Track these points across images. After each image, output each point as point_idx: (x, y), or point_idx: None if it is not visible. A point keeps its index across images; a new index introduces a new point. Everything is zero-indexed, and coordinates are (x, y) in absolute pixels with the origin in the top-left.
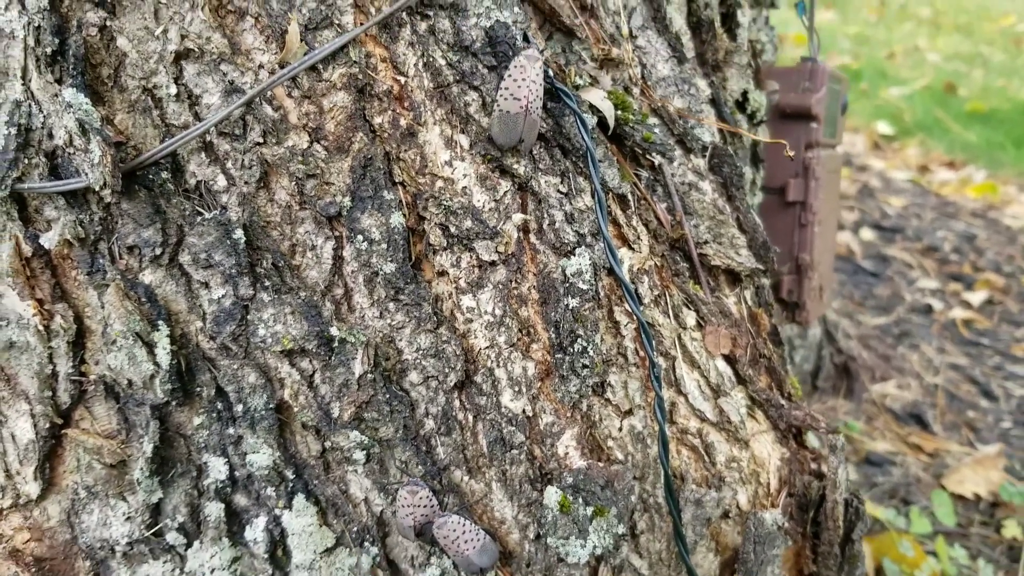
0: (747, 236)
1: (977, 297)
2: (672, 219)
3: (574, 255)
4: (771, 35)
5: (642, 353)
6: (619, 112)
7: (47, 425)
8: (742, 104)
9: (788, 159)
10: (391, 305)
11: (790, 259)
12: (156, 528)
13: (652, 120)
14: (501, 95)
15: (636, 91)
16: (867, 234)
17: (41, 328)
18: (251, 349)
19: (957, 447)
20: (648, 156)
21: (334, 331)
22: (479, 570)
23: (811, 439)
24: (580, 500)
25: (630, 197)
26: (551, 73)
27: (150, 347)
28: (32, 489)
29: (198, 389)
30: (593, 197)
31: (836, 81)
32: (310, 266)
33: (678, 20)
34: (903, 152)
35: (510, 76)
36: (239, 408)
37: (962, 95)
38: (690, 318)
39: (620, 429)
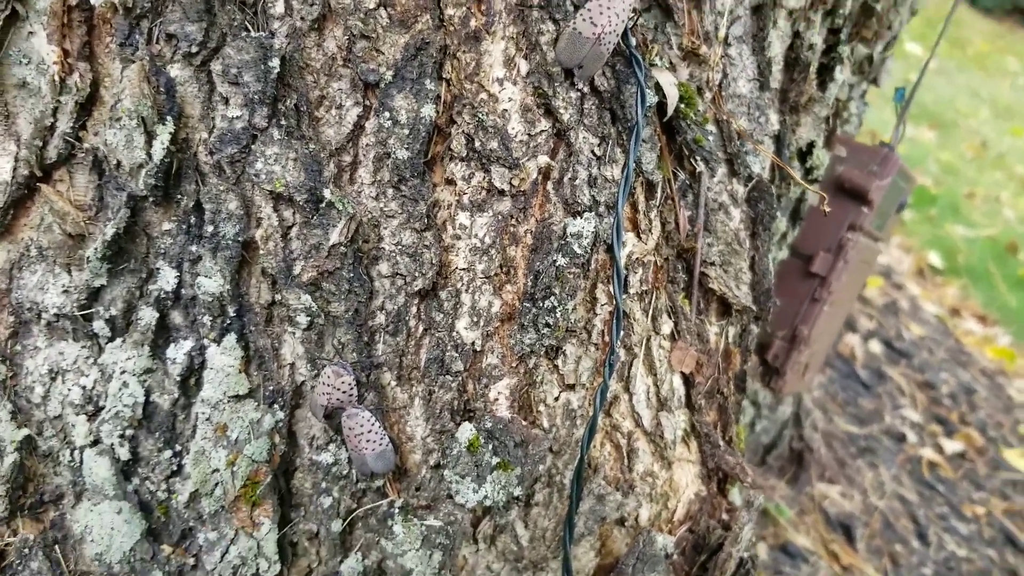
0: (754, 277)
1: (952, 446)
2: (690, 229)
3: (581, 217)
4: (861, 109)
5: (607, 338)
6: (682, 104)
7: (26, 172)
8: (804, 155)
9: (826, 231)
10: (390, 191)
11: (789, 327)
12: (87, 312)
13: (710, 127)
14: (581, 15)
15: (707, 95)
16: (875, 347)
17: (57, 79)
18: (243, 179)
19: (872, 572)
20: (692, 159)
21: (327, 193)
22: (369, 473)
23: (734, 494)
24: (490, 447)
25: (658, 190)
26: (631, 35)
27: (150, 136)
28: None
29: (179, 197)
30: (622, 171)
31: (904, 178)
32: (330, 123)
33: (776, 47)
34: (943, 288)
35: (596, 0)
36: (209, 229)
37: (1020, 258)
38: (666, 326)
39: (556, 399)
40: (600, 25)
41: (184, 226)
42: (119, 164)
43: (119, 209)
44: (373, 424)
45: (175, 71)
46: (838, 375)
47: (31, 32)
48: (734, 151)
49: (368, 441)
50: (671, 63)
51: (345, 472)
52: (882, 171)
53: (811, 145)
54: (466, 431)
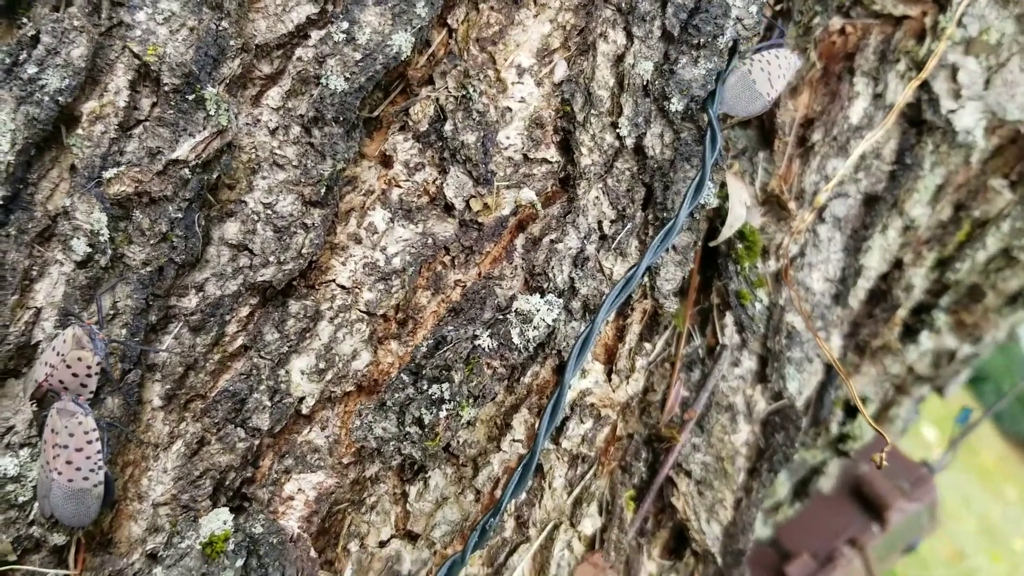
0: (732, 523)
1: None
2: (679, 415)
3: (542, 297)
4: (911, 415)
5: (497, 493)
6: (739, 244)
7: None
8: (849, 412)
9: (820, 532)
10: (296, 130)
11: None
12: None
13: (760, 294)
14: (760, 65)
15: (772, 264)
16: None
17: None
18: (114, 30)
19: None
20: (722, 321)
21: (208, 91)
22: (49, 514)
23: None
24: (239, 564)
25: (661, 336)
26: (716, 120)
27: None
28: None
29: (24, 22)
30: (627, 272)
31: (929, 515)
32: (267, 13)
33: (874, 258)
34: None
35: (778, 60)
36: (31, 70)
37: None
38: (589, 523)
39: (382, 545)
40: (776, 89)
41: (8, 61)
42: None
43: None
44: (91, 442)
45: None
46: None
47: None
48: (776, 348)
49: (69, 464)
50: (748, 200)
51: (23, 500)
52: (914, 492)
53: (863, 401)
54: (217, 521)
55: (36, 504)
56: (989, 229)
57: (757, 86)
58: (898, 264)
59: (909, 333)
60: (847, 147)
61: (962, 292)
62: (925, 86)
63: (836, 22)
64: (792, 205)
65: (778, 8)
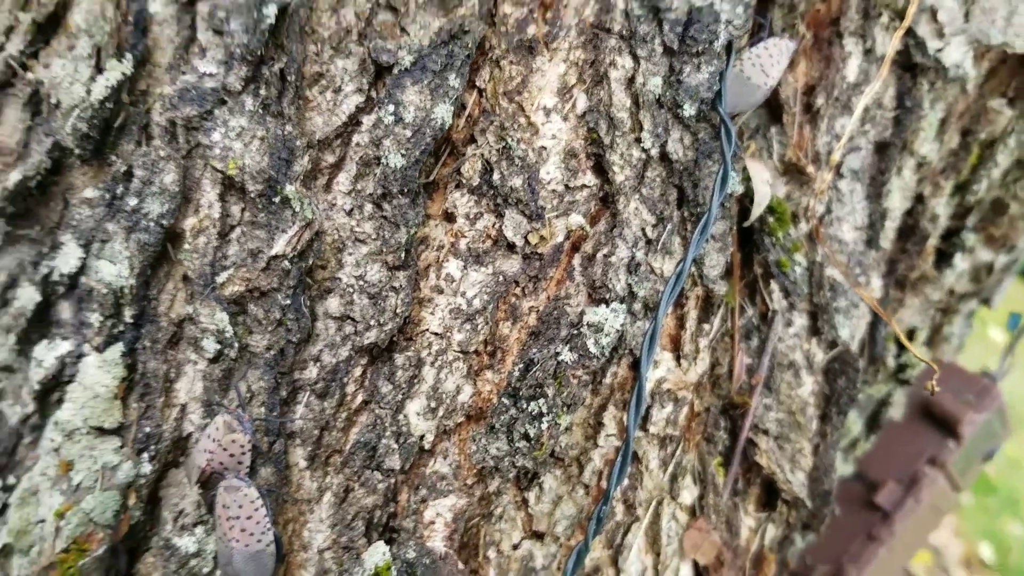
0: (814, 467)
1: None
2: (746, 380)
3: (607, 307)
4: (964, 331)
5: (604, 482)
6: (770, 218)
7: None
8: (901, 344)
9: (901, 457)
10: (368, 207)
11: (833, 562)
12: None
13: (800, 259)
14: (750, 59)
15: (803, 226)
16: None
17: None
18: (195, 152)
19: None
20: (768, 294)
21: (288, 189)
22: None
23: None
24: None
25: (716, 314)
26: (726, 116)
27: (98, 71)
28: None
29: (113, 159)
30: (676, 267)
31: (1001, 421)
32: (321, 109)
33: (896, 200)
34: None
35: (767, 50)
36: (132, 202)
37: None
38: (688, 493)
39: (515, 547)
40: (772, 77)
41: (108, 196)
42: (58, 104)
43: (41, 158)
44: (257, 509)
45: (155, 6)
46: None
47: None
48: (822, 303)
49: (243, 531)
50: (766, 172)
51: (207, 571)
52: (979, 403)
53: (911, 334)
54: (378, 555)
55: (219, 572)
56: (998, 147)
57: (752, 80)
58: (919, 199)
59: (943, 258)
60: (850, 104)
61: (986, 209)
62: (910, 32)
63: None
64: (811, 169)
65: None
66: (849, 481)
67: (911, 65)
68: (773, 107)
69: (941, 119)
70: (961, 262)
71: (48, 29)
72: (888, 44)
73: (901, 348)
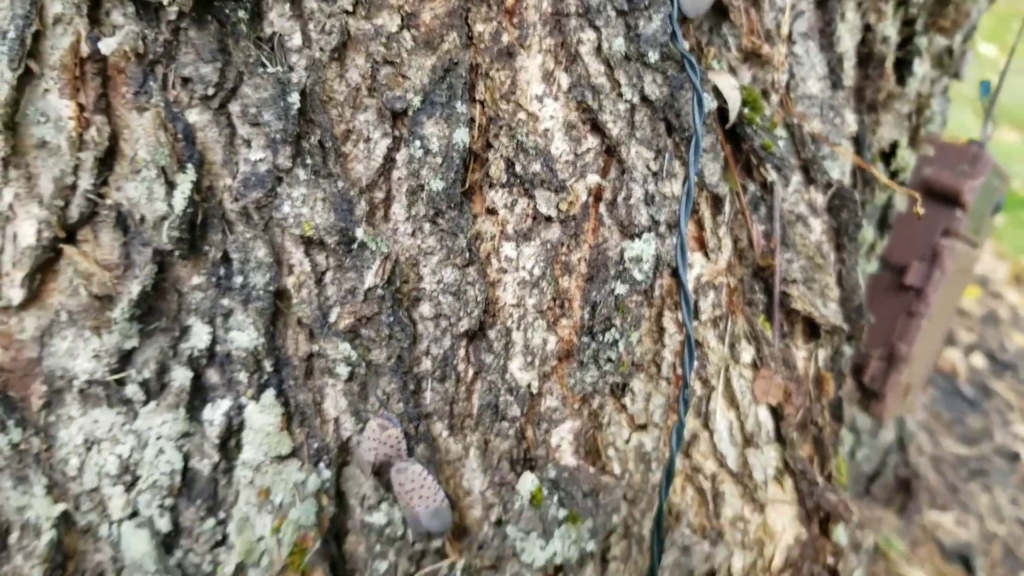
0: (842, 292)
1: None
2: (766, 245)
3: (639, 239)
4: (943, 106)
5: (679, 371)
6: (746, 110)
7: (50, 235)
8: (888, 157)
9: (919, 238)
10: (427, 226)
11: (885, 345)
12: (120, 376)
13: (780, 132)
14: None
15: (774, 98)
16: (978, 360)
17: (74, 135)
18: (271, 224)
19: None
20: (762, 169)
21: (359, 232)
22: (425, 532)
23: (838, 533)
24: (555, 499)
25: (726, 204)
26: (682, 38)
27: (171, 187)
28: (16, 295)
29: (207, 249)
30: (683, 186)
31: (998, 177)
32: (359, 159)
33: (847, 42)
34: None
35: None
36: (238, 280)
37: None
38: (746, 354)
39: (627, 441)
40: None
41: (214, 279)
42: (143, 219)
43: (145, 265)
44: (425, 479)
45: (193, 116)
46: (941, 394)
47: (46, 89)
48: (809, 156)
49: (421, 498)
50: (730, 67)
51: (400, 533)
52: (974, 170)
53: (894, 145)
54: (528, 482)
55: (409, 532)
56: None
57: None
58: (868, 28)
59: (903, 66)
60: None
61: (929, 8)
62: None
63: None
64: (766, 49)
65: None
66: (878, 273)
67: None
68: (719, 6)
69: None
70: (920, 67)
71: (109, 159)
72: None
73: (889, 158)
